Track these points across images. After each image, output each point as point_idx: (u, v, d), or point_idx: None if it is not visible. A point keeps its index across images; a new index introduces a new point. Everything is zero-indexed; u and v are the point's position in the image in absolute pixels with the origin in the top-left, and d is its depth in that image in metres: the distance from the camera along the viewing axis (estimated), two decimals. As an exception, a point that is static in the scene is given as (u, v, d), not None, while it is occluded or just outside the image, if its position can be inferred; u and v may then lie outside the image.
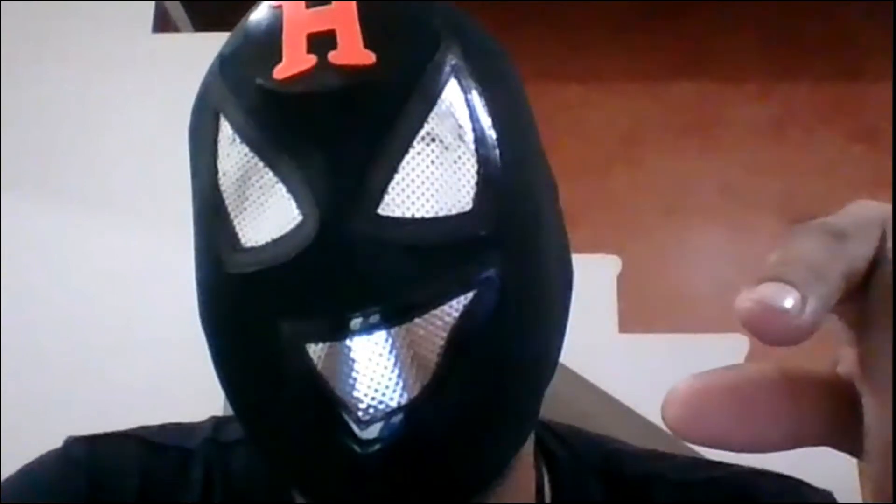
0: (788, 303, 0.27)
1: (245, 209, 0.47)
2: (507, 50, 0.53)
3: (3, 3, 1.96)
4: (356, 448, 0.44)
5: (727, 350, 2.16)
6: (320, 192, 0.44)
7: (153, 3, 2.10)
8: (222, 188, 0.47)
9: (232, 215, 0.47)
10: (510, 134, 0.49)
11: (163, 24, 2.15)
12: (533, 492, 0.56)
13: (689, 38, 2.81)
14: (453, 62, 0.48)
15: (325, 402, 0.44)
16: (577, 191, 2.66)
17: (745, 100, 2.76)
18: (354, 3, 0.47)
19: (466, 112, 0.47)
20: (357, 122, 0.45)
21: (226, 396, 0.51)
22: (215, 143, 0.48)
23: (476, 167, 0.47)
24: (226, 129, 0.47)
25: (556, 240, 0.53)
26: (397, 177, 0.45)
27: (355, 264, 0.43)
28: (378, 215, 0.44)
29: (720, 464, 0.62)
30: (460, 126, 0.47)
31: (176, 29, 2.27)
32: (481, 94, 0.48)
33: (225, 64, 0.49)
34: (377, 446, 0.44)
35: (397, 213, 0.45)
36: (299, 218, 0.44)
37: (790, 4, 2.79)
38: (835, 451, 0.30)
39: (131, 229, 1.78)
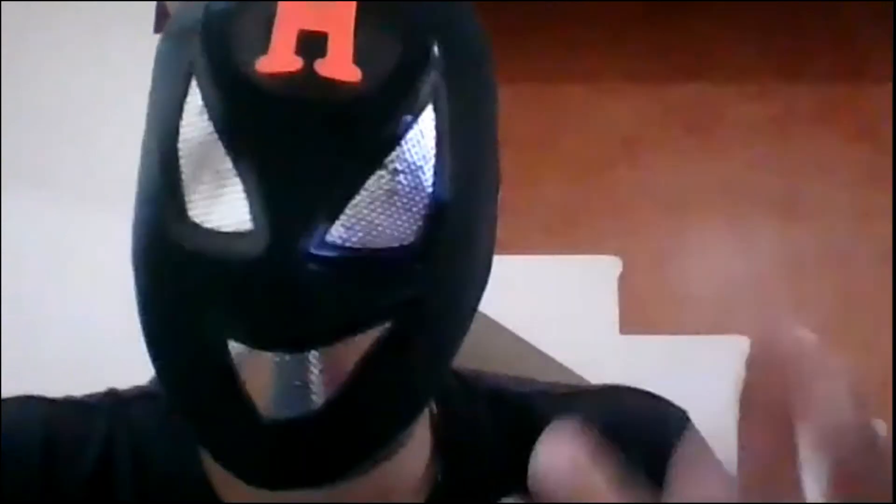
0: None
1: (198, 184, 0.47)
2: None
3: (3, 3, 1.96)
4: (255, 433, 0.46)
5: (727, 351, 2.16)
6: (276, 205, 0.44)
7: (154, 3, 2.10)
8: (181, 154, 0.47)
9: (184, 185, 0.47)
10: (468, 154, 0.49)
11: (164, 24, 2.15)
12: (428, 440, 0.59)
13: (689, 39, 2.80)
14: (435, 85, 0.48)
15: (234, 395, 0.46)
16: (578, 191, 2.65)
17: (745, 100, 2.76)
18: (354, 5, 0.46)
19: (433, 143, 0.47)
20: (327, 140, 0.45)
21: (144, 339, 0.51)
22: (182, 103, 0.47)
23: (427, 201, 0.47)
24: (196, 96, 0.47)
25: (485, 249, 0.53)
26: (352, 203, 0.46)
27: (292, 288, 0.44)
28: (324, 240, 0.45)
29: (587, 385, 0.68)
30: (424, 157, 0.47)
31: (176, 29, 2.26)
32: (452, 120, 0.48)
33: (210, 24, 0.48)
34: (274, 436, 0.46)
35: (343, 238, 0.45)
36: (250, 224, 0.45)
37: (791, 4, 2.79)
38: None
39: (129, 227, 1.78)
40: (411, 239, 0.47)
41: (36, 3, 2.00)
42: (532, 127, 2.61)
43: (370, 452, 0.50)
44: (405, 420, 0.52)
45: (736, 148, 2.72)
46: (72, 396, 0.61)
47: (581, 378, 1.15)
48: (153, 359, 0.51)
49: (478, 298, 0.54)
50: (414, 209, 0.47)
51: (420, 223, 0.47)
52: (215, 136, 0.46)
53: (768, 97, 2.76)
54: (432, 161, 0.47)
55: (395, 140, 0.46)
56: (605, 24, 2.82)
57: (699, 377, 2.06)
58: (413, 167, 0.47)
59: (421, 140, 0.47)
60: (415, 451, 0.57)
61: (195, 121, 0.47)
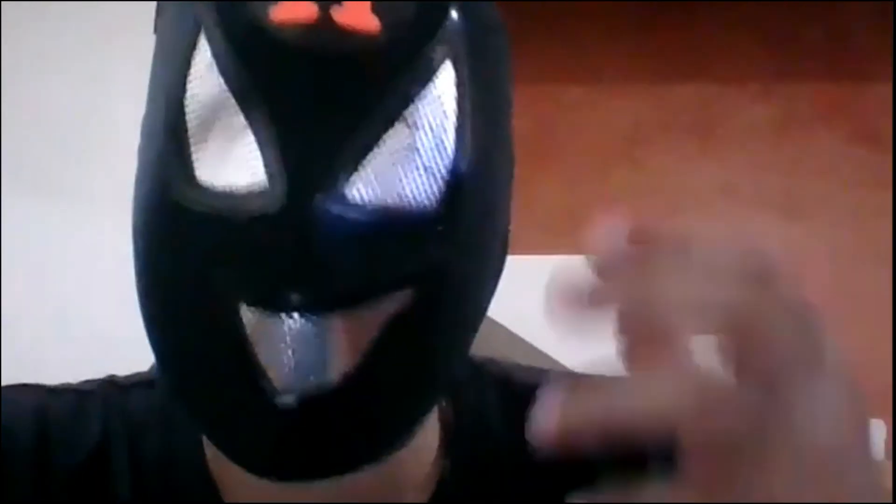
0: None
1: (206, 143, 0.45)
2: (505, 21, 0.52)
3: (3, 3, 1.96)
4: (269, 415, 0.44)
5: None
6: (291, 160, 0.42)
7: (154, 3, 2.09)
8: (187, 110, 0.45)
9: (192, 144, 0.45)
10: (487, 123, 0.48)
11: (163, 24, 2.15)
12: (437, 431, 0.57)
13: (690, 39, 2.80)
14: (452, 44, 0.46)
15: (248, 366, 0.44)
16: (579, 191, 2.65)
17: (745, 100, 2.76)
18: None
19: (454, 103, 0.46)
20: (345, 92, 0.43)
21: (144, 323, 0.49)
22: (189, 58, 0.45)
23: (448, 163, 0.46)
24: (205, 50, 0.45)
25: (502, 224, 0.52)
26: (370, 156, 0.44)
27: (312, 245, 0.42)
28: (343, 196, 0.43)
29: (594, 375, 0.65)
30: (444, 114, 0.46)
31: (176, 29, 2.26)
32: (471, 82, 0.47)
33: None
34: (290, 417, 0.44)
35: (362, 195, 0.43)
36: (264, 179, 0.43)
37: (790, 5, 2.78)
38: None
39: (129, 228, 1.78)
40: (433, 201, 0.45)
41: (36, 4, 2.00)
42: (532, 127, 2.61)
43: (388, 437, 0.48)
44: (424, 401, 0.50)
45: (736, 147, 2.72)
46: (68, 384, 0.60)
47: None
48: (153, 337, 0.49)
49: (495, 280, 0.52)
50: (435, 170, 0.45)
51: (441, 186, 0.45)
52: (226, 90, 0.44)
53: (768, 97, 2.76)
54: (453, 121, 0.45)
55: (415, 94, 0.44)
56: (605, 24, 2.82)
57: (699, 377, 2.06)
58: (434, 125, 0.45)
59: (441, 97, 0.45)
60: (424, 441, 0.55)
61: (204, 76, 0.45)
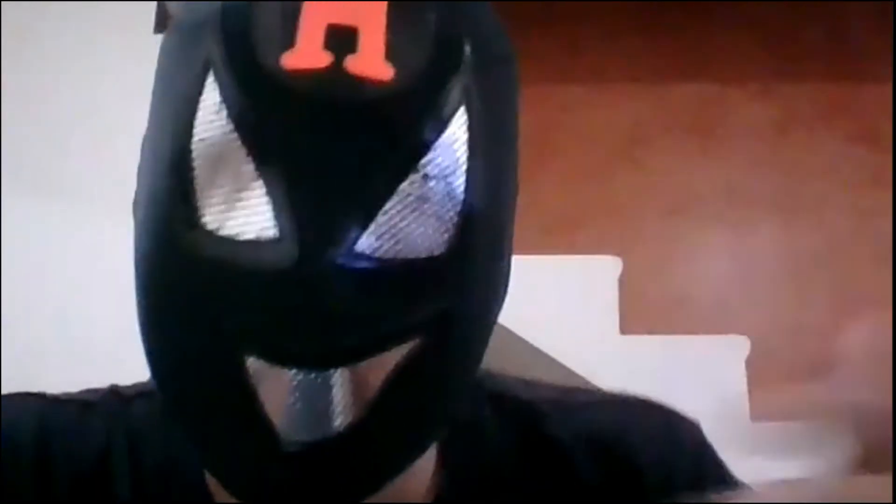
0: None
1: (213, 191, 0.44)
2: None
3: (2, 3, 1.96)
4: (272, 461, 0.44)
5: (727, 351, 2.16)
6: (304, 216, 0.41)
7: (154, 3, 2.09)
8: (194, 154, 0.44)
9: (197, 189, 0.44)
10: (496, 161, 0.47)
11: (164, 24, 2.15)
12: (434, 445, 0.57)
13: (690, 40, 2.80)
14: (466, 85, 0.45)
15: (251, 416, 0.44)
16: (579, 192, 2.65)
17: (746, 101, 2.76)
18: (386, 3, 0.44)
19: (465, 147, 0.45)
20: (358, 142, 0.42)
21: (145, 350, 0.49)
22: (197, 99, 0.44)
23: (459, 209, 0.45)
24: (213, 93, 0.44)
25: (508, 259, 0.51)
26: (383, 210, 0.43)
27: (322, 301, 0.41)
28: (354, 250, 0.42)
29: (591, 390, 0.66)
30: (456, 161, 0.45)
31: (176, 29, 2.26)
32: (481, 120, 0.46)
33: (230, 16, 0.44)
34: (293, 465, 0.44)
35: (373, 248, 0.43)
36: (275, 232, 0.42)
37: (790, 5, 2.78)
38: None
39: (131, 229, 1.78)
40: (442, 249, 0.44)
41: (36, 4, 2.00)
42: (532, 127, 2.60)
43: (390, 476, 0.48)
44: (428, 439, 0.50)
45: (736, 148, 2.72)
46: (70, 393, 0.60)
47: (582, 378, 1.15)
48: (157, 379, 0.49)
49: (499, 309, 0.51)
50: (445, 217, 0.45)
51: (451, 232, 0.45)
52: (235, 135, 0.43)
53: (768, 97, 2.76)
54: (464, 166, 0.45)
55: (429, 142, 0.44)
56: (605, 24, 2.82)
57: (699, 377, 2.05)
58: (445, 172, 0.44)
59: (453, 143, 0.44)
60: (421, 459, 0.55)
61: (212, 119, 0.44)
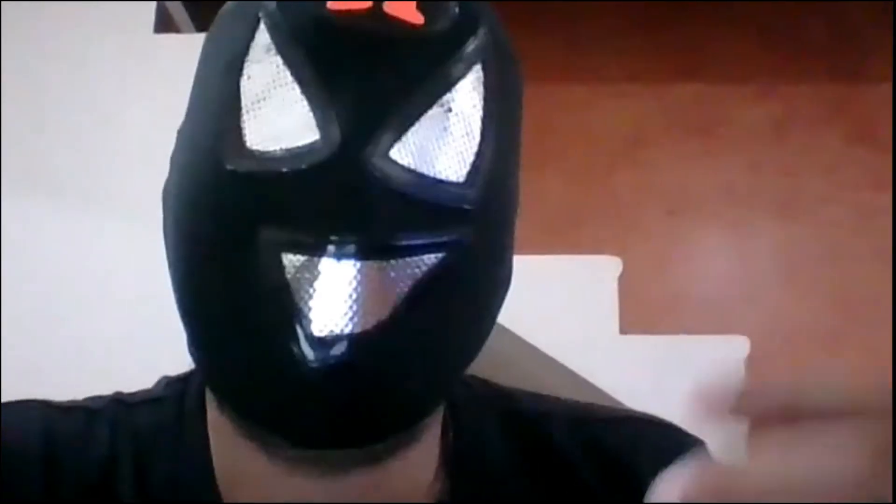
0: None
1: (258, 114, 0.48)
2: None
3: (3, 3, 1.96)
4: (300, 365, 0.46)
5: (727, 351, 2.15)
6: (344, 119, 0.46)
7: (154, 3, 2.10)
8: (243, 89, 0.49)
9: (244, 116, 0.48)
10: (506, 134, 0.52)
11: (164, 24, 2.15)
12: (437, 451, 0.58)
13: (690, 40, 2.81)
14: (482, 54, 0.50)
15: (286, 310, 0.46)
16: (580, 192, 2.65)
17: (746, 101, 2.76)
18: None
19: (480, 100, 0.50)
20: (392, 71, 0.48)
21: (177, 292, 0.52)
22: (248, 46, 0.49)
23: (477, 147, 0.50)
24: (263, 37, 0.49)
25: (513, 228, 0.56)
26: (412, 129, 0.48)
27: (359, 193, 0.45)
28: (388, 157, 0.47)
29: (605, 407, 0.67)
30: (474, 106, 0.50)
31: (177, 29, 2.27)
32: (494, 89, 0.51)
33: None
34: (319, 370, 0.46)
35: (404, 161, 0.47)
36: (317, 136, 0.46)
37: (790, 5, 2.79)
38: None
39: (131, 229, 1.78)
40: (461, 181, 0.49)
41: (36, 4, 2.00)
42: (532, 127, 2.61)
43: (410, 402, 0.50)
44: (441, 377, 0.52)
45: (736, 148, 2.72)
46: (75, 401, 0.60)
47: (582, 378, 1.15)
48: (192, 308, 0.51)
49: (505, 289, 0.55)
50: (464, 155, 0.49)
51: (469, 167, 0.49)
52: (282, 68, 0.48)
53: (768, 97, 2.76)
54: (480, 113, 0.50)
55: (451, 82, 0.49)
56: (605, 24, 2.82)
57: (699, 377, 2.05)
58: (464, 113, 0.49)
59: (472, 90, 0.50)
60: (423, 457, 0.56)
61: (262, 58, 0.49)
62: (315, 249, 0.46)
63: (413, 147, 0.48)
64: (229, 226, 0.48)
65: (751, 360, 2.15)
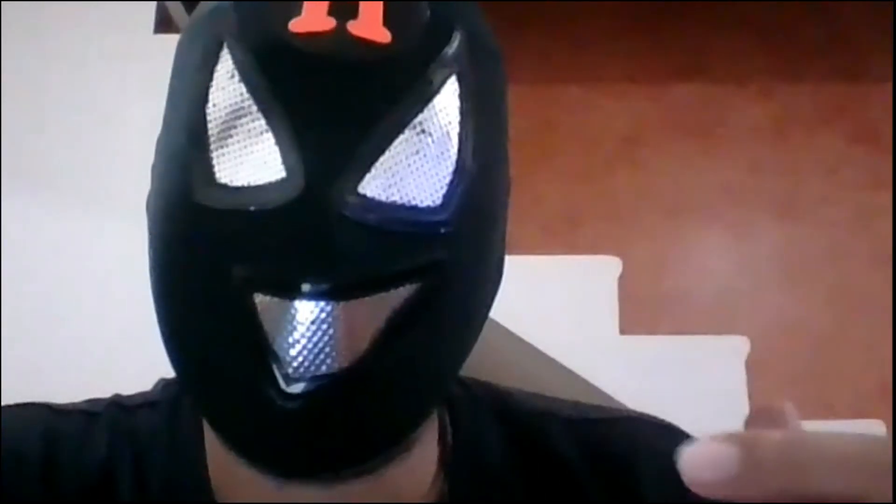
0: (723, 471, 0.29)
1: (227, 147, 0.47)
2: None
3: (3, 3, 1.96)
4: (278, 400, 0.46)
5: (728, 352, 2.15)
6: (310, 154, 0.45)
7: (154, 3, 2.10)
8: (209, 118, 0.48)
9: (212, 149, 0.47)
10: (488, 140, 0.50)
11: (164, 24, 2.15)
12: (435, 453, 0.58)
13: (690, 40, 2.81)
14: (457, 61, 0.49)
15: (260, 351, 0.46)
16: (579, 192, 2.66)
17: (745, 101, 2.76)
18: None
19: (457, 114, 0.49)
20: (360, 97, 0.46)
21: (159, 324, 0.51)
22: (212, 71, 0.48)
23: (453, 167, 0.48)
24: (227, 61, 0.48)
25: (500, 239, 0.54)
26: (382, 158, 0.46)
27: (327, 232, 0.44)
28: (358, 191, 0.45)
29: (604, 407, 0.67)
30: (450, 123, 0.48)
31: (177, 30, 2.26)
32: (473, 97, 0.49)
33: None
34: (298, 403, 0.46)
35: (374, 193, 0.46)
36: (283, 173, 0.45)
37: (790, 5, 2.79)
38: None
39: (131, 229, 1.78)
40: (437, 204, 0.48)
41: (36, 3, 2.00)
42: (532, 127, 2.61)
43: (391, 430, 0.50)
44: (426, 397, 0.51)
45: (736, 148, 2.72)
46: (74, 403, 0.60)
47: (582, 378, 1.15)
48: (169, 333, 0.51)
49: (494, 291, 0.54)
50: (440, 174, 0.48)
51: (445, 189, 0.48)
52: (247, 96, 0.47)
53: (768, 97, 2.76)
54: (457, 129, 0.48)
55: (423, 101, 0.47)
56: (605, 24, 2.82)
57: (699, 377, 2.05)
58: (439, 131, 0.48)
59: (446, 107, 0.48)
60: (421, 460, 0.56)
61: (225, 85, 0.47)
62: (285, 290, 0.45)
63: (384, 177, 0.46)
64: (201, 259, 0.47)
65: (751, 360, 2.15)
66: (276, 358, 0.46)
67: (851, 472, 0.29)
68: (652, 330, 2.35)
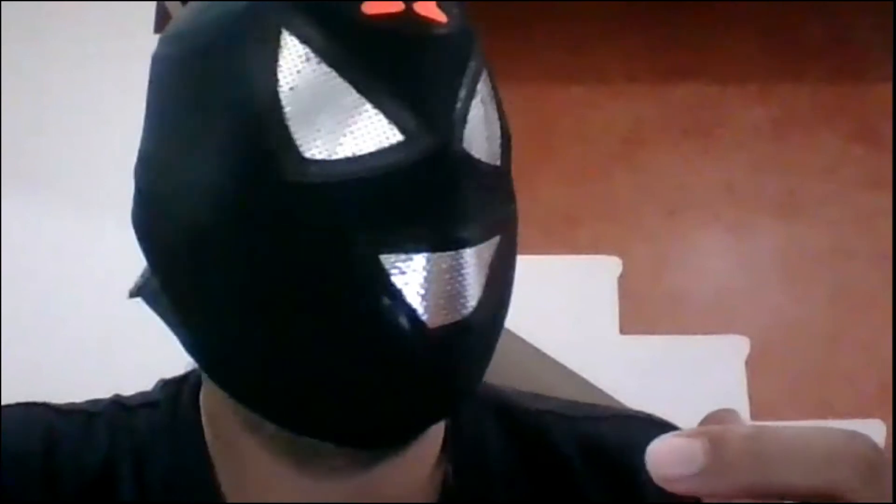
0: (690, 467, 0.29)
1: (314, 124, 0.48)
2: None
3: (3, 3, 1.96)
4: (410, 356, 0.47)
5: (727, 351, 2.16)
6: (423, 117, 0.47)
7: (154, 3, 2.10)
8: (285, 102, 0.48)
9: (293, 129, 0.47)
10: (504, 123, 0.54)
11: (164, 24, 2.15)
12: (438, 449, 0.59)
13: (690, 40, 2.81)
14: (481, 44, 0.52)
15: (394, 308, 0.46)
16: (579, 192, 2.66)
17: (745, 101, 2.76)
18: None
19: (492, 87, 0.53)
20: (440, 67, 0.49)
21: (252, 334, 0.49)
22: (275, 58, 0.48)
23: (498, 135, 0.52)
24: (294, 46, 0.48)
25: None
26: (468, 120, 0.49)
27: (447, 186, 0.47)
28: (463, 148, 0.48)
29: (604, 406, 0.68)
30: (490, 93, 0.52)
31: (176, 29, 2.26)
32: (492, 75, 0.53)
33: None
34: (431, 355, 0.47)
35: (472, 152, 0.49)
36: (399, 136, 0.47)
37: (790, 5, 2.79)
38: None
39: (131, 229, 1.78)
40: (499, 162, 0.52)
41: (36, 3, 2.00)
42: (532, 127, 2.61)
43: (472, 386, 0.51)
44: (490, 357, 0.53)
45: (735, 148, 2.72)
46: (74, 403, 0.61)
47: (582, 378, 1.15)
48: (263, 335, 0.48)
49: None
50: (495, 138, 0.52)
51: (500, 151, 0.52)
52: (332, 75, 0.48)
53: (768, 97, 2.76)
54: (495, 99, 0.53)
55: (479, 73, 0.51)
56: (605, 24, 2.82)
57: (699, 377, 2.06)
58: (486, 101, 0.52)
59: (486, 79, 0.52)
60: (425, 455, 0.57)
61: (301, 67, 0.48)
62: (414, 244, 0.46)
63: (472, 137, 0.49)
64: (316, 237, 0.47)
65: (751, 360, 2.16)
66: (410, 309, 0.46)
67: (817, 465, 0.29)
68: (652, 329, 2.35)
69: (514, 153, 0.56)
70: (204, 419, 0.57)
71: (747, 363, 2.15)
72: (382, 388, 0.48)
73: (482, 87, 0.51)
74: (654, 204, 2.66)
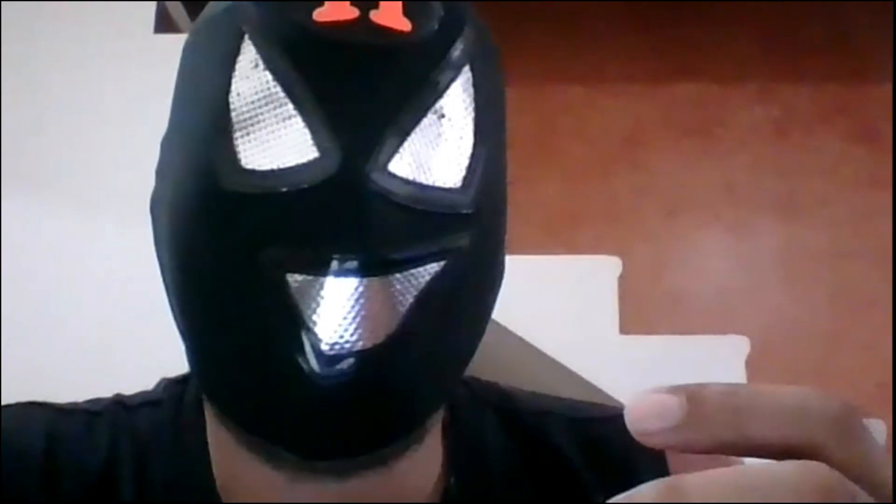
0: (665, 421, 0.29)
1: (251, 133, 0.48)
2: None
3: (3, 3, 1.96)
4: (313, 377, 0.46)
5: (728, 351, 2.16)
6: (343, 134, 0.46)
7: (154, 3, 2.09)
8: (232, 107, 0.48)
9: (236, 136, 0.48)
10: (494, 129, 0.52)
11: (164, 24, 2.15)
12: (440, 450, 0.58)
13: (690, 40, 2.81)
14: (469, 53, 0.50)
15: (293, 329, 0.46)
16: (579, 192, 2.66)
17: (745, 101, 2.76)
18: None
19: (472, 101, 0.50)
20: (386, 81, 0.47)
21: (176, 306, 0.51)
22: (233, 62, 0.49)
23: (470, 149, 0.50)
24: (250, 52, 0.48)
25: (504, 233, 0.56)
26: (408, 140, 0.47)
27: (362, 209, 0.45)
28: (388, 170, 0.47)
29: (604, 406, 0.67)
30: (466, 110, 0.50)
31: (177, 29, 2.26)
32: (482, 87, 0.51)
33: None
34: (332, 380, 0.46)
35: (403, 173, 0.47)
36: (316, 153, 0.46)
37: (791, 5, 2.79)
38: None
39: (131, 229, 1.78)
40: (458, 187, 0.49)
41: (36, 4, 2.00)
42: (532, 127, 2.61)
43: (414, 412, 0.51)
44: (445, 381, 0.52)
45: (736, 149, 2.72)
46: (75, 403, 0.61)
47: (582, 378, 1.15)
48: (196, 326, 0.51)
49: (499, 285, 0.55)
50: (458, 158, 0.49)
51: (465, 172, 0.49)
52: (272, 84, 0.47)
53: (768, 97, 2.76)
54: (472, 115, 0.50)
55: (444, 87, 0.49)
56: (605, 24, 2.82)
57: (699, 377, 2.05)
58: (456, 116, 0.49)
59: (461, 94, 0.50)
60: (427, 457, 0.56)
61: (249, 74, 0.48)
62: (318, 268, 0.46)
63: (410, 158, 0.47)
64: (230, 246, 0.48)
65: (751, 360, 2.16)
66: (310, 333, 0.46)
67: (792, 420, 0.29)
68: (652, 330, 2.35)
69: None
70: (207, 420, 0.57)
71: (747, 363, 2.15)
72: (288, 406, 0.48)
73: (452, 102, 0.49)
74: (654, 204, 2.66)
